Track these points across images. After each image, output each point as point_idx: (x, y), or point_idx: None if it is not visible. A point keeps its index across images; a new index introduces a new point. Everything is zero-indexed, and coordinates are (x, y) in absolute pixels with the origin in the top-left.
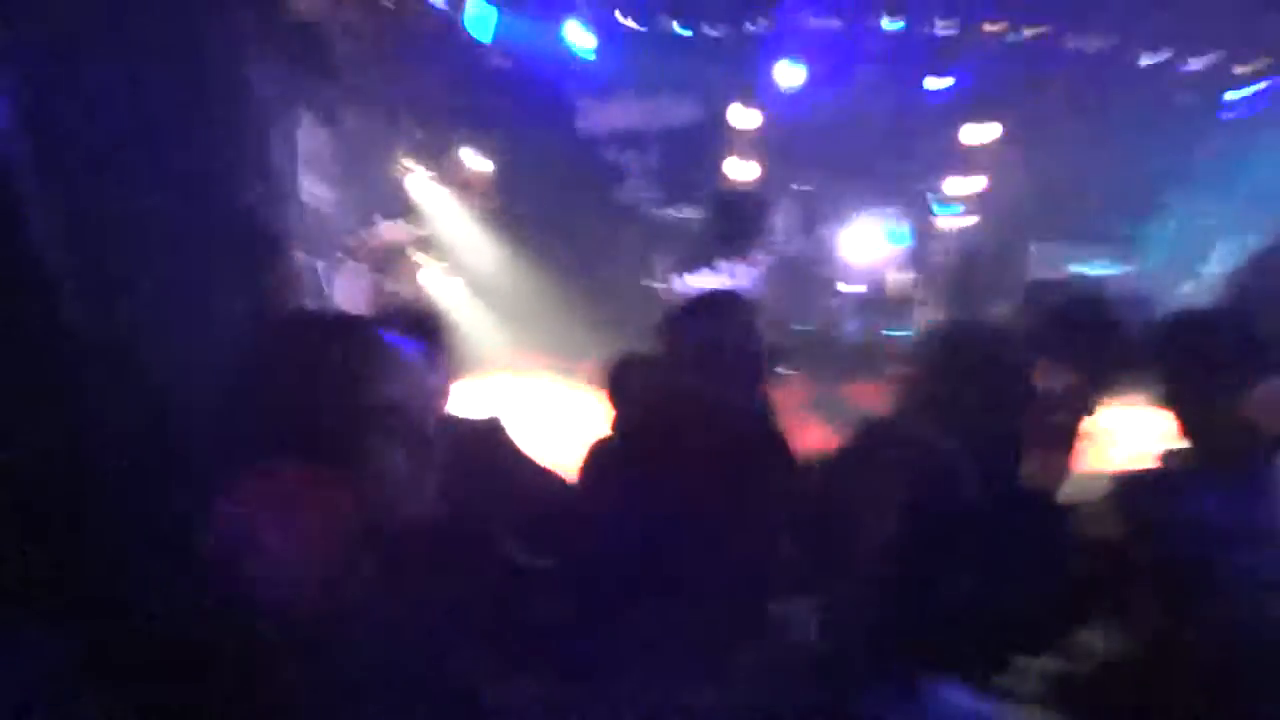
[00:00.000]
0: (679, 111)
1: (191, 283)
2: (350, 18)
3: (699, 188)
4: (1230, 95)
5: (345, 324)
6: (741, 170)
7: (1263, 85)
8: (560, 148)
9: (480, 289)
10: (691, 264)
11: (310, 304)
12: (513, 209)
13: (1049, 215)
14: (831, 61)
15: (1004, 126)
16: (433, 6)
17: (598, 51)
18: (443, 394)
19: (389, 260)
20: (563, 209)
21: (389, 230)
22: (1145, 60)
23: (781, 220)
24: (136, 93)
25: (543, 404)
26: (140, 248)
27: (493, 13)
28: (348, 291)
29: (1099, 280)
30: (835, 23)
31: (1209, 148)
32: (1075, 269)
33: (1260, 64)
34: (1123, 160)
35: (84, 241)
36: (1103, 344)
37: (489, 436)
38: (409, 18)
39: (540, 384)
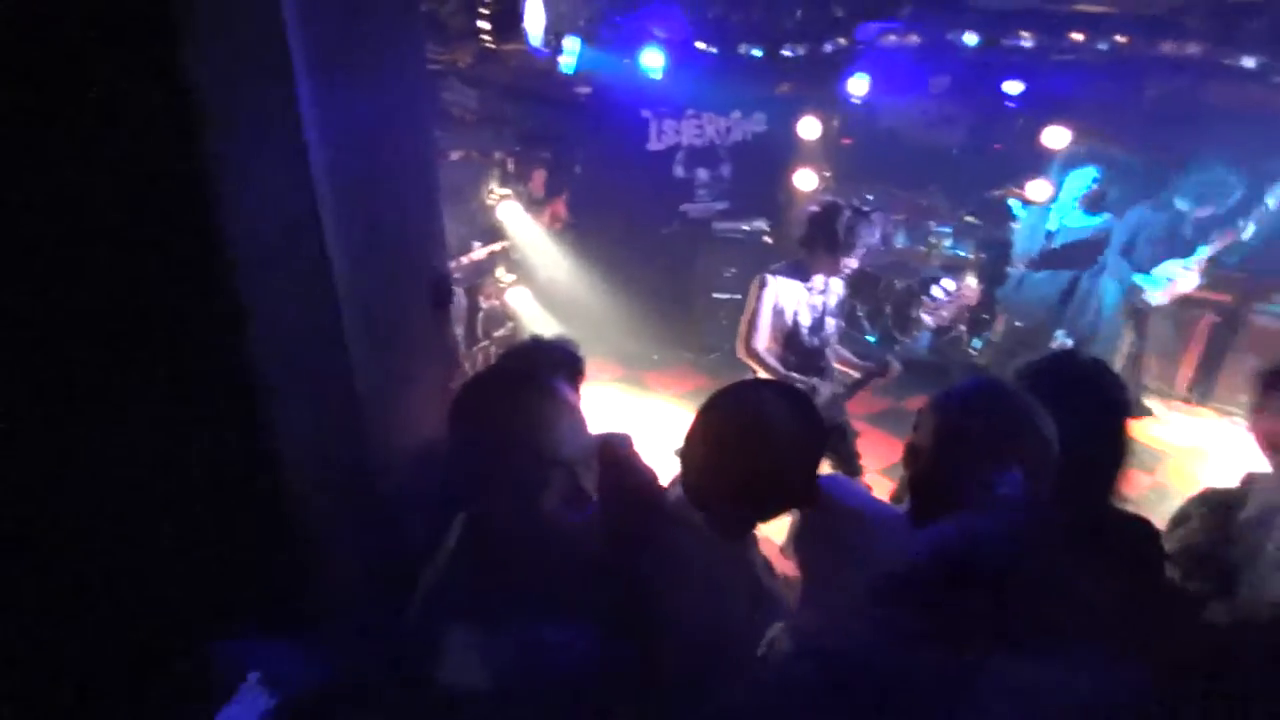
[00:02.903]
0: (748, 126)
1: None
2: (461, 65)
3: (769, 200)
4: None
5: (534, 384)
6: (808, 181)
7: None
8: (632, 166)
9: (553, 303)
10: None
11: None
12: (586, 226)
13: None
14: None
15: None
16: (533, 50)
17: (667, 73)
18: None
19: (478, 279)
20: (633, 224)
21: (479, 251)
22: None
23: (863, 231)
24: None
25: (614, 413)
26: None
27: (577, 46)
28: (455, 310)
29: None
30: (914, 38)
31: None
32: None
33: None
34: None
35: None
36: None
37: (625, 450)
38: (511, 62)
39: (609, 393)
